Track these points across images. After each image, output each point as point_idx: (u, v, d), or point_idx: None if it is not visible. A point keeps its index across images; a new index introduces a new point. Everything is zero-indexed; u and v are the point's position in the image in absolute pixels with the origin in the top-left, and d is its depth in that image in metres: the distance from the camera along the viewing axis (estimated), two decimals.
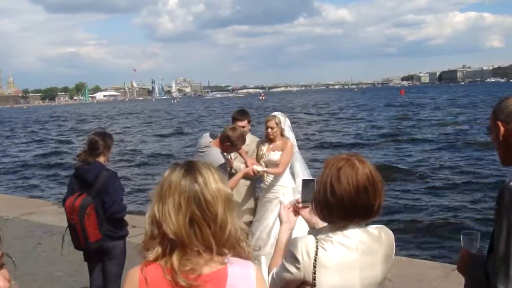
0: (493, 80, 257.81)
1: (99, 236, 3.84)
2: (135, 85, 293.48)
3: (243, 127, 4.91)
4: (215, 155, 4.34)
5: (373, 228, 1.83)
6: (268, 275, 1.89)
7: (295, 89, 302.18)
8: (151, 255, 1.45)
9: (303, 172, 4.91)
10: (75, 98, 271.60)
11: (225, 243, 1.46)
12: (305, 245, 1.74)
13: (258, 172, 4.70)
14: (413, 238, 8.36)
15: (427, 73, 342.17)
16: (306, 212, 2.07)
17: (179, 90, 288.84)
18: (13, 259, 1.31)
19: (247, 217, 4.93)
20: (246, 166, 4.71)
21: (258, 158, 4.91)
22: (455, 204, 10.45)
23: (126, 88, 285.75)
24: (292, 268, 1.76)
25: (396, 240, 1.88)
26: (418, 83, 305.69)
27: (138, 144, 26.75)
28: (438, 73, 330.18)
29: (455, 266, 2.16)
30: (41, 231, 7.19)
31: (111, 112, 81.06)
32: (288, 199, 4.11)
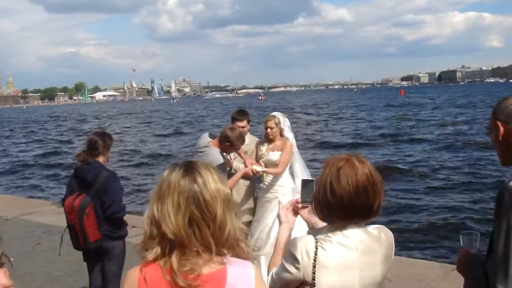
0: (492, 80, 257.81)
1: (98, 236, 3.83)
2: (134, 85, 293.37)
3: (243, 127, 4.91)
4: (214, 155, 4.34)
5: (373, 228, 1.83)
6: (268, 275, 1.89)
7: (294, 89, 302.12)
8: (150, 256, 1.45)
9: (302, 172, 4.91)
10: (74, 98, 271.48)
11: (224, 243, 1.46)
12: (305, 245, 1.74)
13: (257, 172, 4.70)
14: (413, 238, 8.36)
15: (427, 73, 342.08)
16: (305, 212, 2.07)
17: (179, 90, 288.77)
18: (11, 259, 1.31)
19: (247, 217, 4.93)
20: (245, 166, 4.71)
21: (257, 158, 4.91)
22: (454, 204, 10.46)
23: (126, 88, 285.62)
24: (291, 268, 1.76)
25: (395, 240, 1.89)
26: (417, 83, 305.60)
27: (137, 144, 26.76)
28: (437, 73, 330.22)
29: (454, 266, 2.16)
30: (40, 231, 7.18)
31: (110, 112, 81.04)
32: (288, 199, 4.11)
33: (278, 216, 2.10)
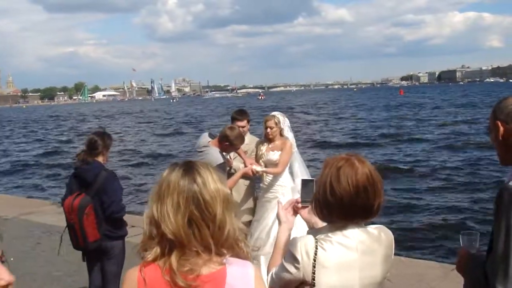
0: (492, 80, 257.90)
1: (97, 236, 3.83)
2: (134, 85, 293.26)
3: (243, 127, 4.91)
4: (214, 154, 4.34)
5: (373, 228, 1.83)
6: (268, 275, 1.89)
7: (294, 89, 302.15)
8: (149, 256, 1.44)
9: (302, 172, 4.91)
10: (74, 98, 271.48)
11: (224, 244, 1.46)
12: (305, 245, 1.74)
13: (257, 172, 4.70)
14: (413, 238, 8.36)
15: (426, 73, 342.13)
16: (305, 212, 2.07)
17: (179, 90, 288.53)
18: (11, 259, 1.31)
19: (247, 217, 4.93)
20: (245, 166, 4.71)
21: (257, 158, 4.91)
22: (454, 204, 10.47)
23: (125, 88, 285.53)
24: (291, 268, 1.75)
25: (395, 240, 1.88)
26: (417, 83, 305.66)
27: (137, 144, 26.75)
28: (437, 73, 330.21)
29: (454, 266, 2.16)
30: (40, 231, 7.18)
31: (110, 111, 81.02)
32: (287, 198, 4.10)
33: (278, 216, 2.10)
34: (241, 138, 4.51)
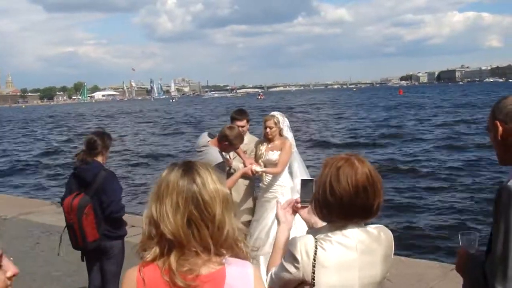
0: (491, 80, 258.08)
1: (97, 235, 3.83)
2: (133, 84, 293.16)
3: (242, 126, 4.92)
4: (214, 154, 4.34)
5: (372, 228, 1.83)
6: (267, 275, 1.89)
7: (293, 88, 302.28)
8: (149, 256, 1.44)
9: (301, 172, 4.91)
10: (73, 97, 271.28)
11: (223, 244, 1.46)
12: (304, 245, 1.74)
13: (257, 172, 4.70)
14: (412, 238, 8.36)
15: (426, 73, 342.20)
16: (305, 212, 2.07)
17: (178, 90, 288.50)
18: (10, 259, 1.31)
19: (246, 217, 4.93)
20: (245, 166, 4.71)
21: (256, 158, 4.91)
22: (454, 204, 10.47)
23: (125, 88, 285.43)
24: (291, 268, 1.75)
25: (395, 240, 1.88)
26: (416, 83, 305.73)
27: (136, 144, 26.74)
28: (436, 73, 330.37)
29: (453, 266, 2.16)
30: (39, 231, 7.18)
31: (109, 111, 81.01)
32: (287, 198, 4.11)
33: (277, 216, 2.10)
34: (241, 138, 4.51)
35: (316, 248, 1.74)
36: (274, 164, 4.78)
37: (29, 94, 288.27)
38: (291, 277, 1.76)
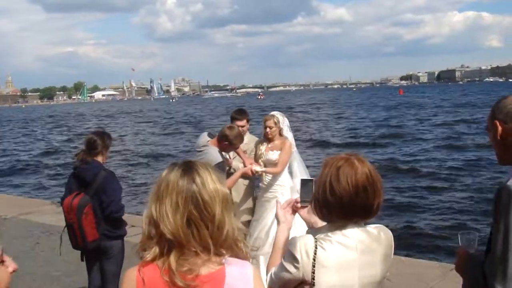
0: (491, 80, 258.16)
1: (96, 235, 3.83)
2: (133, 84, 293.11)
3: (242, 126, 4.91)
4: (213, 154, 4.34)
5: (372, 228, 1.83)
6: (267, 275, 1.89)
7: (293, 88, 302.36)
8: (148, 256, 1.44)
9: (301, 172, 4.91)
10: (73, 97, 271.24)
11: (223, 244, 1.46)
12: (304, 245, 1.74)
13: (257, 172, 4.70)
14: (412, 238, 8.37)
15: (426, 72, 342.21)
16: (304, 211, 2.07)
17: (178, 90, 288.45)
18: (10, 259, 1.32)
19: (246, 217, 4.93)
20: (245, 166, 4.71)
21: (256, 158, 4.91)
22: (454, 204, 10.48)
23: (125, 88, 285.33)
24: (291, 268, 1.75)
25: (395, 240, 1.88)
26: (416, 83, 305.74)
27: (136, 144, 26.74)
28: (436, 73, 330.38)
29: (453, 266, 2.16)
30: (39, 231, 7.18)
31: (109, 111, 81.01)
32: (287, 198, 4.11)
33: (276, 215, 2.10)
34: (240, 138, 4.51)
35: (316, 248, 1.74)
36: (274, 164, 4.78)
37: (29, 94, 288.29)
38: (291, 277, 1.76)
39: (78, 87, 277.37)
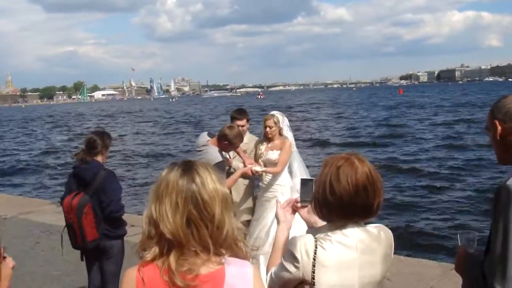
0: (491, 79, 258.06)
1: (96, 235, 3.83)
2: (133, 84, 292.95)
3: (242, 126, 4.91)
4: (213, 153, 4.34)
5: (372, 227, 1.83)
6: (267, 275, 1.89)
7: (293, 88, 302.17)
8: (148, 255, 1.44)
9: (301, 171, 4.91)
10: (73, 97, 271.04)
11: (223, 243, 1.46)
12: (304, 244, 1.74)
13: (257, 172, 4.70)
14: (412, 237, 8.37)
15: (426, 72, 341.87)
16: (304, 211, 2.07)
17: (178, 89, 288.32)
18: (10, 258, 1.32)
19: (246, 216, 4.93)
20: (245, 166, 4.71)
21: (256, 157, 4.91)
22: (454, 204, 10.48)
23: (125, 87, 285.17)
24: (291, 267, 1.75)
25: (395, 239, 1.88)
26: (416, 82, 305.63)
27: (136, 143, 26.74)
28: (436, 72, 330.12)
29: (453, 266, 2.16)
30: (39, 230, 7.18)
31: (109, 111, 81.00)
32: (287, 198, 4.11)
33: (276, 215, 2.09)
34: (240, 137, 4.51)
35: (316, 247, 1.73)
36: (273, 163, 4.78)
37: (29, 93, 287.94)
38: (291, 276, 1.76)
39: (78, 87, 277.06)
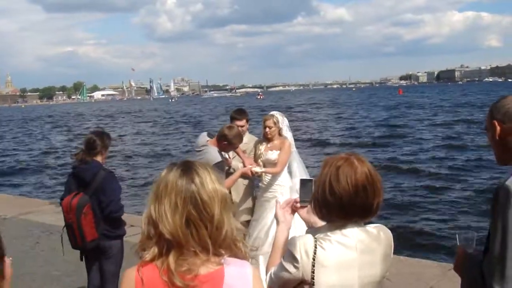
0: (491, 80, 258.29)
1: (95, 235, 3.83)
2: (133, 84, 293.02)
3: (242, 126, 4.91)
4: (213, 153, 4.34)
5: (372, 227, 1.83)
6: (266, 275, 1.89)
7: (293, 88, 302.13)
8: (147, 256, 1.44)
9: (300, 172, 4.91)
10: (73, 97, 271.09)
11: (222, 244, 1.46)
12: (304, 244, 1.74)
13: (256, 173, 4.70)
14: (412, 237, 8.38)
15: (425, 72, 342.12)
16: (304, 211, 2.07)
17: (178, 90, 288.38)
18: (10, 259, 1.32)
19: (245, 217, 4.93)
20: (244, 166, 4.71)
21: (256, 158, 4.91)
22: (453, 204, 10.48)
23: (124, 88, 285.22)
24: (290, 268, 1.75)
25: (394, 239, 1.88)
26: (416, 83, 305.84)
27: (136, 143, 26.74)
28: (436, 73, 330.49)
29: (452, 265, 2.16)
30: (39, 231, 7.18)
31: (109, 111, 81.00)
32: (286, 198, 4.11)
33: (276, 215, 2.10)
34: (240, 137, 4.51)
35: (315, 247, 1.74)
36: (273, 163, 4.78)
37: (29, 93, 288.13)
38: (291, 276, 1.76)
39: (77, 87, 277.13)
